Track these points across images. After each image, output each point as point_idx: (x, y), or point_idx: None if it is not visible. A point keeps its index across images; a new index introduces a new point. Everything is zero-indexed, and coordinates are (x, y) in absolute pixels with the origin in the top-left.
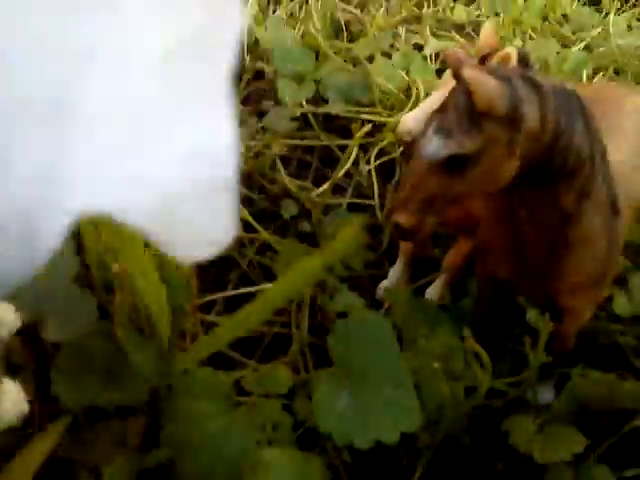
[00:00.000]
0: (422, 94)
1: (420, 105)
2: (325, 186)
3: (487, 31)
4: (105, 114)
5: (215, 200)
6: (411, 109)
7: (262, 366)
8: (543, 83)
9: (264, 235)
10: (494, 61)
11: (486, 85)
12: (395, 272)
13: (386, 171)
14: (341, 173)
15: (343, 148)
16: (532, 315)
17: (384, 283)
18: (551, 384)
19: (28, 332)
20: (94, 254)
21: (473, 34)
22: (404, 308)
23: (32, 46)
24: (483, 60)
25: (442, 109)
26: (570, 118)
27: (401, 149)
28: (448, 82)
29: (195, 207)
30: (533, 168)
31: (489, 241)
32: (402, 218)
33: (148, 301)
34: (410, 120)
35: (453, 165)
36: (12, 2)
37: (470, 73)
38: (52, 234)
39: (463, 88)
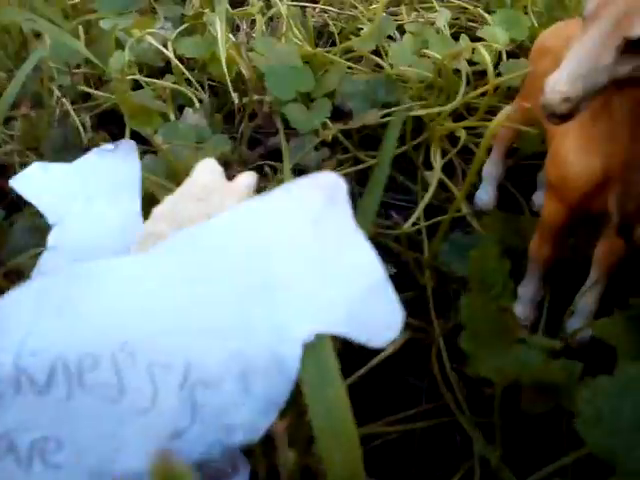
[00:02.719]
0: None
1: (564, 61)
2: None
3: None
4: None
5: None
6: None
7: None
8: None
9: None
10: None
11: None
12: (528, 289)
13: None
14: (425, 200)
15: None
16: None
17: (517, 311)
18: None
19: None
20: None
21: None
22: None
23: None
24: None
25: None
26: None
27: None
28: (591, 18)
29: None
30: None
31: None
32: None
33: None
34: (562, 82)
35: None
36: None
37: None
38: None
39: None
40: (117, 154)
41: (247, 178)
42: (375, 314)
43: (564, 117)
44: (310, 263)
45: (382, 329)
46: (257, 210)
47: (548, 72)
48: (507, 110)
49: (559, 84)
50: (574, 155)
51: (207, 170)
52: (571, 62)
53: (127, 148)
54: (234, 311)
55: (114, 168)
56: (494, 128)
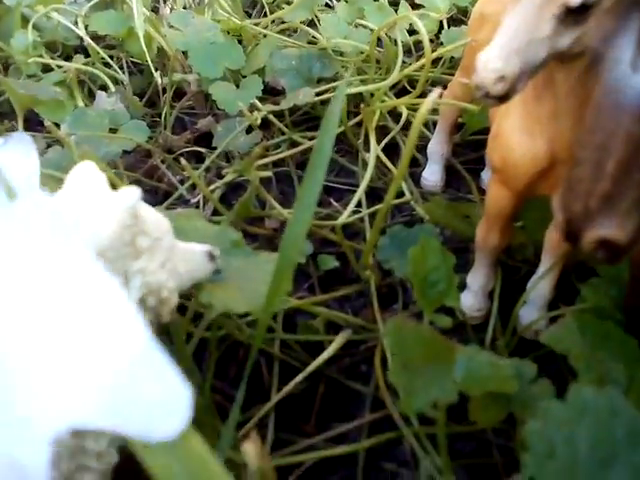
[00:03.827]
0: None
1: (497, 36)
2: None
3: None
4: None
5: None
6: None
7: None
8: None
9: None
10: None
11: None
12: (477, 278)
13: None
14: (363, 185)
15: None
16: None
17: (467, 301)
18: None
19: None
20: None
21: None
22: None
23: None
24: None
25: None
26: None
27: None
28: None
29: None
30: None
31: None
32: (615, 230)
33: None
34: (496, 58)
35: None
36: None
37: None
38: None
39: None
40: (9, 150)
41: (129, 195)
42: (147, 396)
43: (500, 98)
44: (47, 325)
45: (160, 415)
46: None
47: (489, 43)
48: (433, 97)
49: (492, 61)
50: (517, 137)
51: (82, 182)
52: (505, 35)
53: (20, 142)
54: None
55: (6, 166)
56: (421, 118)
